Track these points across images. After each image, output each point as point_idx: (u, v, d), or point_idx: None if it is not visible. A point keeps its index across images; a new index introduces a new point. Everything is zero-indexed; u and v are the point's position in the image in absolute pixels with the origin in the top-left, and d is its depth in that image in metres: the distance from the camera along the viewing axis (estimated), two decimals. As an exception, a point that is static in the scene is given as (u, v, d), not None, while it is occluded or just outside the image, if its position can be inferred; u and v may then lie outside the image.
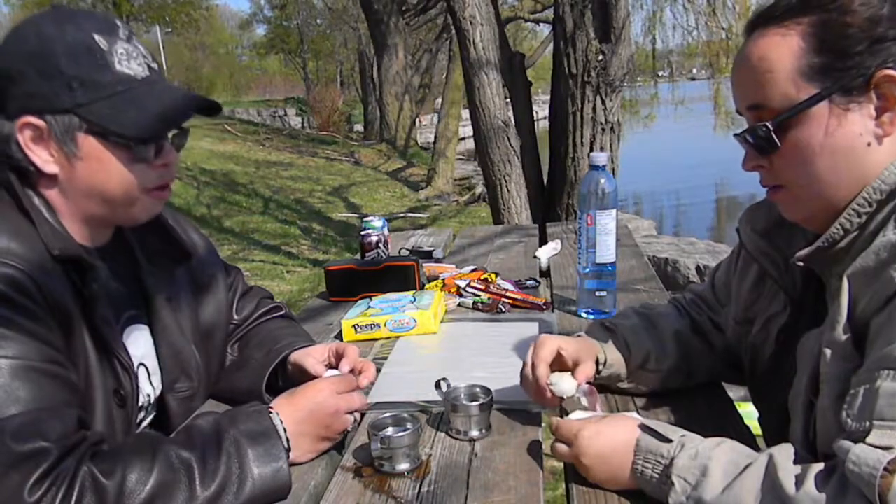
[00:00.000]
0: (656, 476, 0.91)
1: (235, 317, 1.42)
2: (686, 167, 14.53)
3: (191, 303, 1.29)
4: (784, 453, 0.84)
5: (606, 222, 1.63)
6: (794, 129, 0.90)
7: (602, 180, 1.61)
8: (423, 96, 20.68)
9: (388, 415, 1.13)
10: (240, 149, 13.94)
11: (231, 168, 11.74)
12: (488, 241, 2.59)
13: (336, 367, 1.27)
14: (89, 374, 1.02)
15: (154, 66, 1.08)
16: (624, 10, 4.50)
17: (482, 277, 1.95)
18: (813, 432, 0.89)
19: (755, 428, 1.15)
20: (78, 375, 0.99)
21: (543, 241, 2.46)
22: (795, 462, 0.82)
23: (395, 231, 2.72)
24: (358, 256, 2.18)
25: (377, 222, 2.17)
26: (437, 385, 1.21)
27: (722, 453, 0.88)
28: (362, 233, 2.17)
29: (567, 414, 1.07)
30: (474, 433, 1.14)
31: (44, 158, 1.02)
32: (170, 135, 1.11)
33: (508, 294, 1.83)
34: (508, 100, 4.97)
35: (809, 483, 0.78)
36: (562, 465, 1.08)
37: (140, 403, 1.14)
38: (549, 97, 5.07)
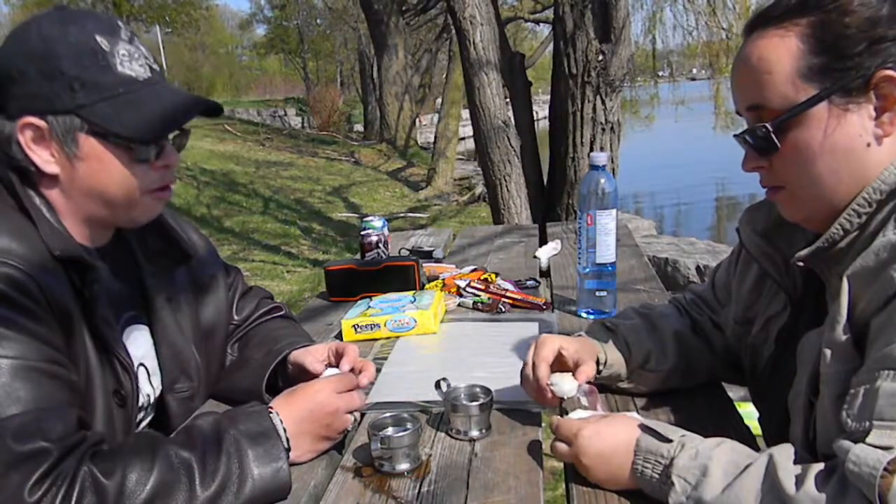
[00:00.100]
0: (656, 476, 0.91)
1: (235, 317, 1.43)
2: (686, 167, 14.53)
3: (191, 303, 1.29)
4: (784, 453, 0.84)
5: (606, 222, 1.63)
6: (793, 130, 0.90)
7: (602, 180, 1.61)
8: (423, 96, 20.69)
9: (388, 415, 1.13)
10: (240, 149, 13.94)
11: (231, 168, 11.74)
12: (488, 241, 2.59)
13: (336, 366, 1.27)
14: (89, 374, 1.02)
15: (155, 67, 1.09)
16: (624, 10, 4.51)
17: (482, 277, 1.95)
18: (813, 432, 0.89)
19: (755, 428, 1.15)
20: (78, 375, 0.99)
21: (543, 241, 2.46)
22: (795, 462, 0.82)
23: (395, 231, 2.72)
24: (358, 256, 2.18)
25: (377, 222, 2.17)
26: (437, 385, 1.21)
27: (722, 453, 0.88)
28: (362, 233, 2.17)
29: (567, 414, 1.07)
30: (474, 433, 1.15)
31: (44, 159, 1.03)
32: (171, 136, 1.12)
33: (508, 294, 1.83)
34: (508, 100, 4.97)
35: (809, 483, 0.78)
36: (562, 465, 1.08)
37: (140, 403, 1.15)
38: (549, 97, 5.07)
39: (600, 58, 4.48)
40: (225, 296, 1.38)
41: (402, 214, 9.58)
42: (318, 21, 30.34)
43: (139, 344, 1.18)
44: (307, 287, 5.71)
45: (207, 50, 42.62)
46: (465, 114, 7.28)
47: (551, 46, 5.40)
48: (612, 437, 0.98)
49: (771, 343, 1.10)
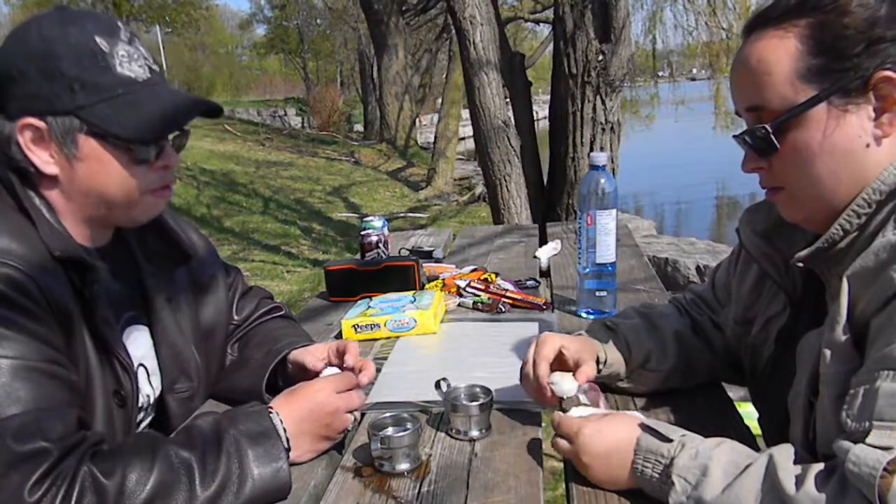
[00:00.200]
0: (656, 476, 0.91)
1: (235, 317, 1.43)
2: (686, 167, 14.53)
3: (191, 303, 1.29)
4: (784, 453, 0.84)
5: (606, 222, 1.63)
6: (792, 130, 0.90)
7: (602, 180, 1.61)
8: (423, 96, 20.68)
9: (388, 415, 1.13)
10: (240, 149, 13.94)
11: (231, 168, 11.74)
12: (488, 241, 2.59)
13: (336, 365, 1.27)
14: (89, 374, 1.02)
15: (155, 67, 1.09)
16: (624, 10, 4.51)
17: (482, 277, 1.95)
18: (813, 432, 0.89)
19: (755, 428, 1.15)
20: (78, 375, 0.99)
21: (543, 241, 2.46)
22: (795, 462, 0.82)
23: (395, 231, 2.72)
24: (358, 256, 2.18)
25: (377, 222, 2.17)
26: (437, 385, 1.21)
27: (722, 453, 0.88)
28: (362, 233, 2.17)
29: (566, 412, 1.07)
30: (474, 433, 1.15)
31: (44, 159, 1.03)
32: (170, 136, 1.12)
33: (508, 294, 1.83)
34: (508, 100, 4.97)
35: (809, 483, 0.78)
36: (562, 465, 1.08)
37: (140, 404, 1.15)
38: (549, 97, 5.07)
39: (600, 58, 4.49)
40: (225, 296, 1.38)
41: (402, 214, 9.58)
42: (318, 21, 30.36)
43: (139, 344, 1.18)
44: (307, 287, 5.71)
45: (207, 50, 42.63)
46: (465, 114, 7.28)
47: (551, 46, 5.40)
48: (612, 435, 0.98)
49: (771, 343, 1.10)
